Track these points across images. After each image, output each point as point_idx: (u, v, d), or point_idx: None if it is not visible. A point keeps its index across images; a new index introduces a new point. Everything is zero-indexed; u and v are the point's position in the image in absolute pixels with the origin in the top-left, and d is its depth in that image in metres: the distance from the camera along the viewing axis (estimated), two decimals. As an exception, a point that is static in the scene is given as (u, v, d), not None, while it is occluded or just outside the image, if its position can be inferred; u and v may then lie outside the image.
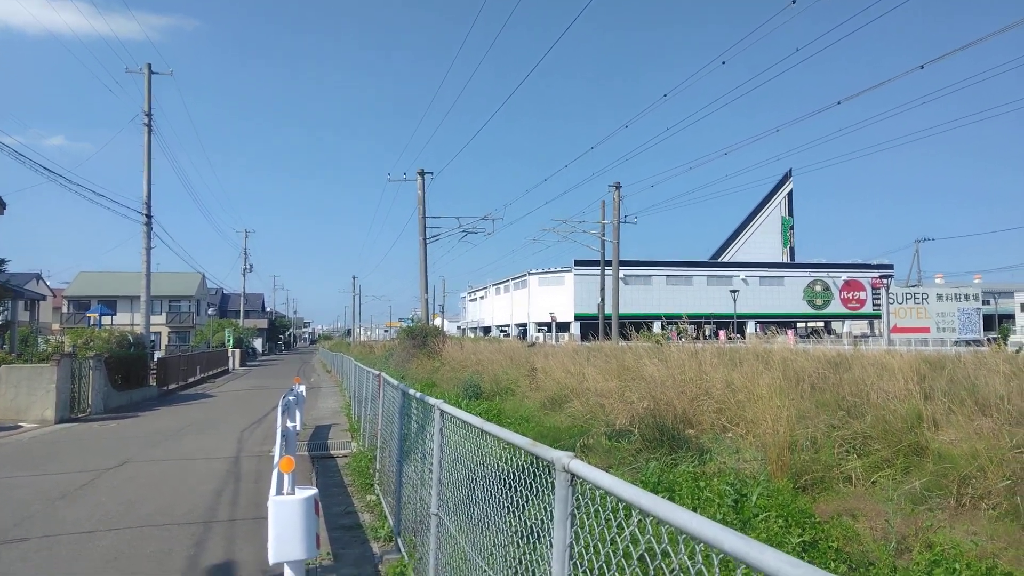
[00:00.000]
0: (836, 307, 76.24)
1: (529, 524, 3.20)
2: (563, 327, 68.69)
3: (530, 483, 3.12)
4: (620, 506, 2.22)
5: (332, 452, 12.72)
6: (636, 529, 2.17)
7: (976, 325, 47.51)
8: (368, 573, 6.32)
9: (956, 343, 33.69)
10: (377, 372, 10.78)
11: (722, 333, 37.61)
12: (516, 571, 3.26)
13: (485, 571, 3.68)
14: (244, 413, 19.65)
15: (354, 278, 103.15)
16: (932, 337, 43.63)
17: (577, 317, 68.45)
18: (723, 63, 28.54)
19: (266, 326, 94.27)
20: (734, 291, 57.81)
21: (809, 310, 75.88)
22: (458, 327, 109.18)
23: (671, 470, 7.56)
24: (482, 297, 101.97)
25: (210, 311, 79.53)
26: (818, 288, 76.01)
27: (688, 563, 1.88)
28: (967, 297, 48.78)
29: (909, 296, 47.74)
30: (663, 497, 2.02)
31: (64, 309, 69.49)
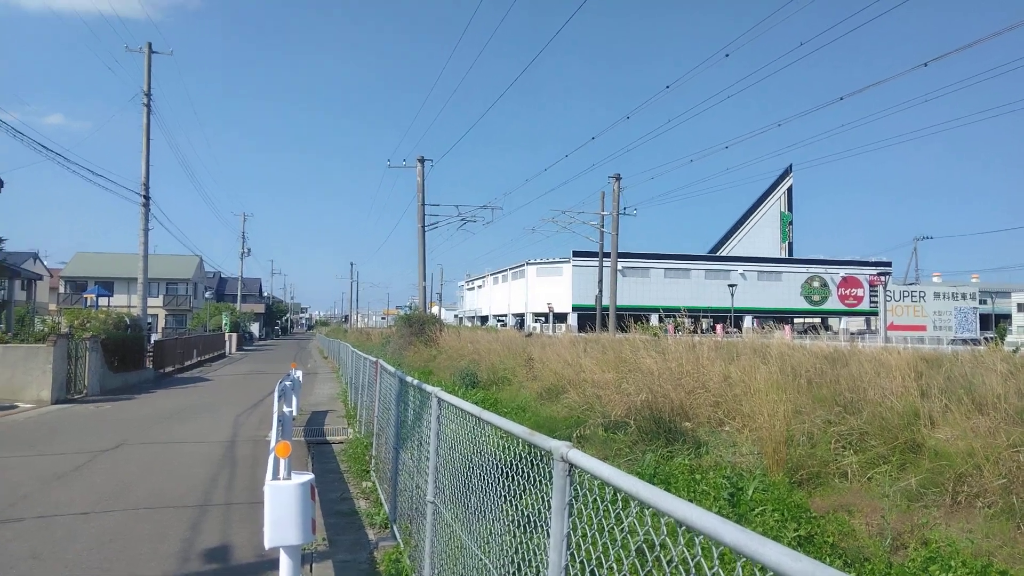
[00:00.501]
0: (833, 303, 76.29)
1: (526, 513, 3.19)
2: (560, 318, 68.71)
3: (527, 472, 3.11)
4: (619, 497, 2.21)
5: (328, 438, 12.72)
6: (635, 520, 2.16)
7: (973, 324, 47.62)
8: (363, 559, 6.33)
9: (953, 342, 33.76)
10: (374, 359, 10.76)
11: (719, 327, 37.64)
12: (512, 560, 3.25)
13: (481, 559, 3.68)
14: (240, 397, 19.65)
15: (352, 264, 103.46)
16: (928, 335, 43.72)
17: (575, 308, 68.44)
18: (726, 56, 28.47)
19: (263, 311, 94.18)
20: (732, 285, 57.83)
21: (806, 306, 75.92)
22: (455, 316, 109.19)
23: (667, 462, 7.58)
24: (480, 286, 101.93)
25: (207, 294, 79.48)
26: (816, 284, 76.04)
27: (687, 554, 1.87)
28: (964, 296, 48.87)
29: (906, 294, 47.81)
30: (658, 488, 2.01)
31: (61, 289, 69.44)
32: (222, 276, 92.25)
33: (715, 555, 1.70)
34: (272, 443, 6.08)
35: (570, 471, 2.47)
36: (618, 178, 42.05)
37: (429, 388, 5.16)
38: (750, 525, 5.40)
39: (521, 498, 3.24)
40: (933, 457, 6.95)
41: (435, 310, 59.84)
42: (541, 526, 2.92)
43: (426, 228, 35.85)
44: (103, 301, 40.08)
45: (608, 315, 40.65)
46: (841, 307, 76.23)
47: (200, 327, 60.88)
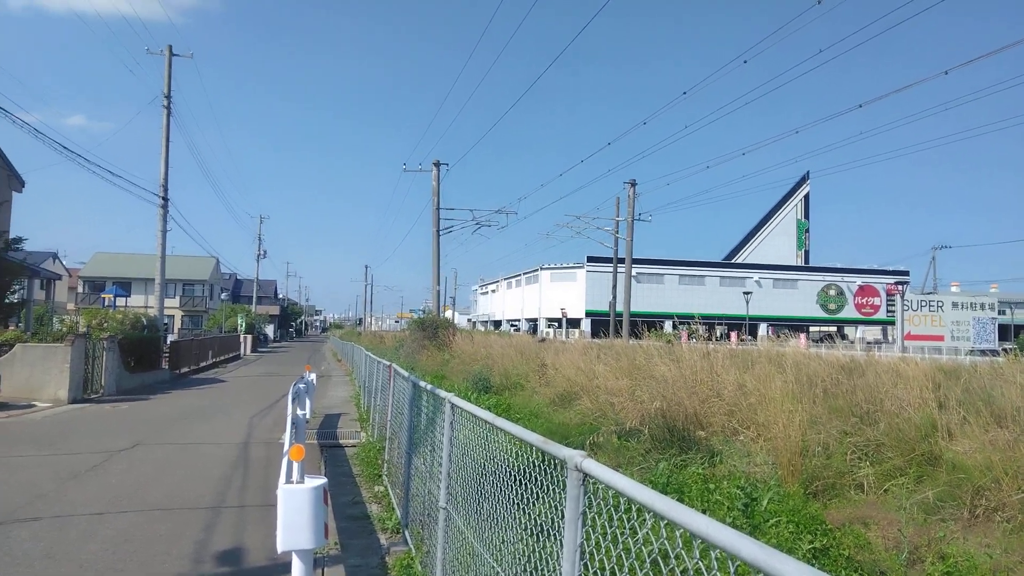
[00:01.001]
0: (850, 312, 75.71)
1: (539, 522, 3.18)
2: (574, 323, 68.61)
3: (540, 480, 3.10)
4: (633, 507, 2.19)
5: (341, 441, 12.76)
6: (649, 531, 2.14)
7: (991, 335, 47.07)
8: (375, 564, 6.33)
9: (971, 352, 33.37)
10: (388, 363, 10.79)
11: (734, 335, 37.42)
12: (525, 568, 3.24)
13: (493, 567, 3.66)
14: (255, 399, 19.75)
15: (366, 267, 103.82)
16: (946, 346, 43.27)
17: (588, 314, 68.32)
18: (744, 62, 28.38)
19: (278, 313, 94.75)
20: (747, 293, 57.52)
21: (822, 314, 75.38)
22: (468, 320, 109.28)
23: (681, 471, 7.53)
24: (493, 291, 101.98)
25: (223, 296, 79.96)
26: (832, 292, 75.49)
27: (702, 567, 1.85)
28: (983, 306, 48.34)
29: (924, 303, 47.34)
30: (672, 498, 1.99)
31: (79, 289, 70.12)
32: (238, 278, 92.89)
33: (731, 569, 1.68)
34: (286, 446, 6.10)
35: (584, 480, 2.46)
36: (633, 184, 41.99)
37: (443, 393, 5.16)
38: (764, 536, 5.35)
39: (534, 506, 3.23)
40: (951, 470, 6.86)
41: (448, 314, 59.93)
42: (554, 535, 2.91)
43: (441, 232, 35.94)
44: (120, 301, 40.51)
45: (622, 321, 40.55)
46: (857, 316, 75.64)
47: (216, 328, 61.31)
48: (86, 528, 7.00)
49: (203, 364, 33.25)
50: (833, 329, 69.35)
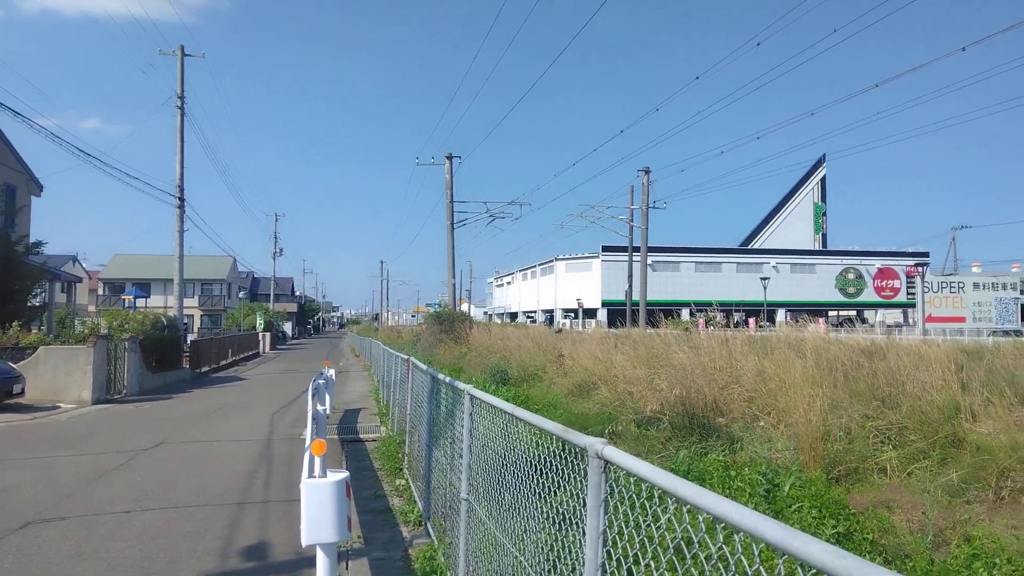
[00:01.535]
0: (869, 295, 74.97)
1: (560, 511, 3.18)
2: (590, 313, 68.49)
3: (561, 469, 3.10)
4: (655, 493, 2.19)
5: (361, 436, 12.84)
6: (672, 517, 2.14)
7: (1014, 315, 46.37)
8: (398, 557, 6.37)
9: (993, 333, 32.94)
10: (406, 356, 10.83)
11: (752, 321, 37.22)
12: (548, 557, 3.24)
13: (516, 557, 3.68)
14: (275, 396, 19.92)
15: (382, 263, 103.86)
16: (968, 327, 42.71)
17: (604, 303, 68.18)
18: (758, 44, 28.07)
19: (295, 310, 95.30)
20: (764, 278, 57.10)
21: (841, 298, 74.71)
22: (484, 312, 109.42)
23: (701, 459, 7.51)
24: (509, 283, 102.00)
25: (241, 294, 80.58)
26: (851, 276, 74.80)
27: (727, 551, 1.85)
28: (1005, 286, 47.59)
29: (944, 285, 46.67)
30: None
31: (99, 291, 70.92)
32: (255, 276, 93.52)
33: (756, 552, 1.68)
34: (307, 441, 6.15)
35: (605, 468, 2.45)
36: (647, 171, 41.76)
37: (461, 385, 5.17)
38: (787, 521, 5.32)
39: (555, 494, 3.23)
40: (975, 452, 6.80)
41: (464, 307, 60.06)
42: (576, 523, 2.91)
43: (455, 225, 35.95)
44: (140, 302, 40.93)
45: (638, 310, 40.42)
46: (877, 299, 74.88)
47: (234, 327, 61.79)
48: (113, 526, 7.10)
49: (223, 363, 33.55)
50: (853, 313, 68.74)
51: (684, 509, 2.01)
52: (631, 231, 44.40)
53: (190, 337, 34.53)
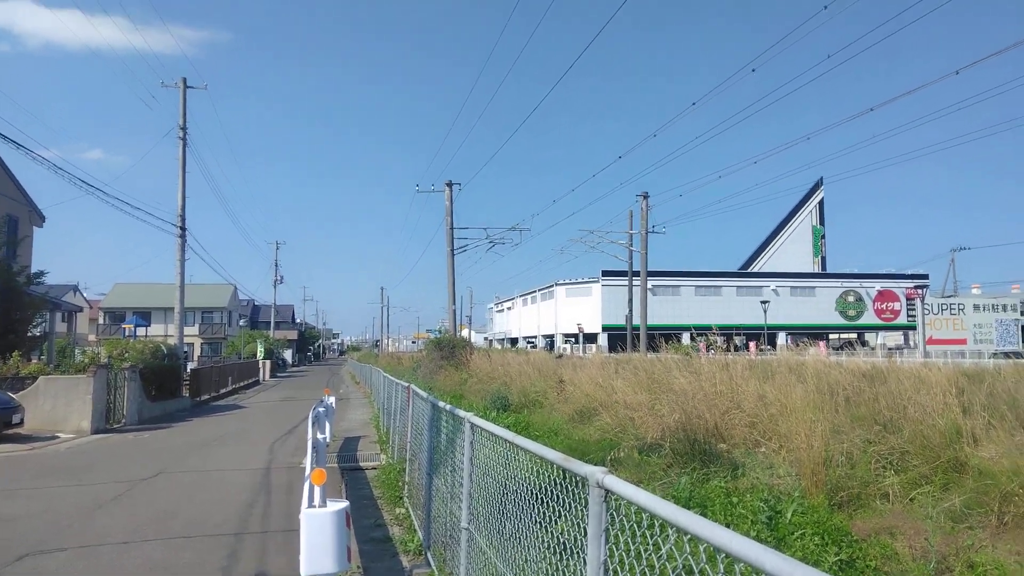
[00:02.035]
0: (869, 318, 74.97)
1: (561, 540, 3.18)
2: (590, 338, 68.43)
3: (562, 498, 3.10)
4: (656, 523, 2.19)
5: (361, 464, 12.78)
6: (673, 547, 2.14)
7: (1015, 336, 46.38)
8: (398, 586, 6.32)
9: (994, 355, 32.90)
10: (406, 384, 10.81)
11: (752, 344, 37.18)
12: (549, 587, 3.23)
13: (517, 587, 3.66)
14: (275, 424, 19.83)
15: (382, 289, 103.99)
16: (969, 349, 42.68)
17: (604, 328, 68.15)
18: (753, 71, 28.40)
19: (296, 337, 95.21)
20: (764, 302, 57.17)
21: (841, 321, 74.70)
22: (485, 338, 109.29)
23: (703, 485, 7.48)
24: (509, 308, 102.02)
25: (241, 322, 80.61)
26: (851, 299, 74.84)
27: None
28: (1005, 308, 47.67)
29: (945, 307, 46.77)
30: (695, 513, 2.00)
31: (100, 320, 70.94)
32: (256, 304, 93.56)
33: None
34: (307, 470, 6.13)
35: (606, 497, 2.46)
36: (646, 196, 42.00)
37: (462, 413, 5.17)
38: (789, 549, 5.30)
39: (556, 523, 3.23)
40: (977, 476, 6.77)
41: (465, 333, 59.98)
42: (577, 552, 2.91)
43: (455, 251, 36.07)
44: (141, 331, 40.93)
45: (639, 335, 40.40)
46: (877, 322, 74.87)
47: (235, 355, 61.69)
48: (112, 558, 7.05)
49: (223, 391, 33.45)
50: (853, 336, 68.73)
51: (685, 539, 2.01)
52: (631, 256, 44.52)
53: (190, 365, 34.47)
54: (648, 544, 2.30)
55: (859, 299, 75.01)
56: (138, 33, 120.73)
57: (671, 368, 13.16)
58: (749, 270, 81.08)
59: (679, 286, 71.91)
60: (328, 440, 11.26)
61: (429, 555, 6.63)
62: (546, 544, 3.33)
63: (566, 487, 3.04)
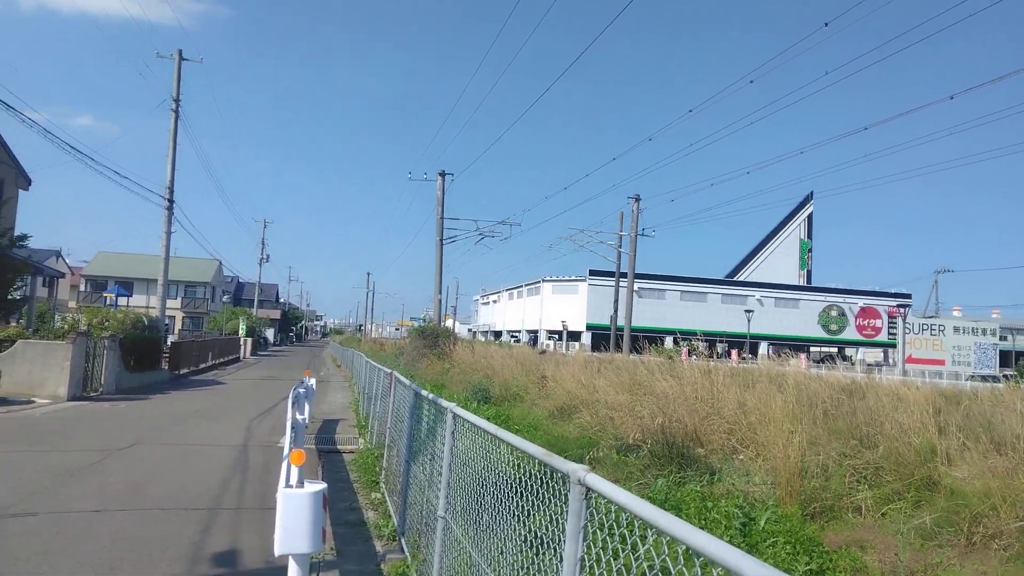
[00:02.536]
0: (851, 333, 75.61)
1: (538, 534, 3.19)
2: (574, 336, 68.57)
3: (541, 493, 3.11)
4: (636, 523, 2.21)
5: (339, 447, 12.75)
6: (651, 547, 2.16)
7: (992, 360, 46.98)
8: (370, 571, 6.33)
9: (971, 377, 33.31)
10: (389, 370, 10.80)
11: (734, 352, 37.39)
12: (523, 580, 3.25)
13: (491, 578, 3.67)
14: (254, 402, 19.75)
15: (368, 274, 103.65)
16: (947, 370, 43.19)
17: (589, 327, 68.30)
18: (751, 82, 28.43)
19: (279, 317, 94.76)
20: (749, 311, 57.47)
21: (823, 335, 75.29)
22: (469, 330, 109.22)
23: (679, 488, 7.53)
24: (495, 301, 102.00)
25: (224, 298, 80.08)
26: (833, 313, 75.43)
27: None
28: (984, 331, 48.27)
29: (926, 327, 47.26)
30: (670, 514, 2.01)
31: (81, 288, 70.25)
32: (240, 281, 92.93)
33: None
34: (286, 450, 6.11)
35: (586, 495, 2.47)
36: (637, 199, 42.08)
37: (445, 403, 5.17)
38: (761, 556, 5.35)
39: (533, 517, 3.24)
40: (949, 496, 6.86)
41: (449, 323, 59.89)
42: (553, 547, 2.92)
43: (444, 241, 36.02)
44: (122, 301, 40.53)
45: (623, 336, 40.52)
46: (859, 337, 75.52)
47: (216, 330, 61.30)
48: (84, 526, 7.00)
49: (203, 366, 33.25)
50: (834, 350, 69.34)
51: (664, 540, 2.03)
52: (619, 257, 44.63)
53: (171, 338, 34.25)
54: (627, 544, 2.32)
55: (842, 314, 75.62)
56: (136, 1, 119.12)
57: (653, 371, 13.22)
58: (735, 279, 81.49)
59: (665, 290, 72.19)
60: (307, 421, 11.23)
61: (403, 541, 6.64)
62: (522, 537, 3.34)
63: (546, 482, 3.05)
